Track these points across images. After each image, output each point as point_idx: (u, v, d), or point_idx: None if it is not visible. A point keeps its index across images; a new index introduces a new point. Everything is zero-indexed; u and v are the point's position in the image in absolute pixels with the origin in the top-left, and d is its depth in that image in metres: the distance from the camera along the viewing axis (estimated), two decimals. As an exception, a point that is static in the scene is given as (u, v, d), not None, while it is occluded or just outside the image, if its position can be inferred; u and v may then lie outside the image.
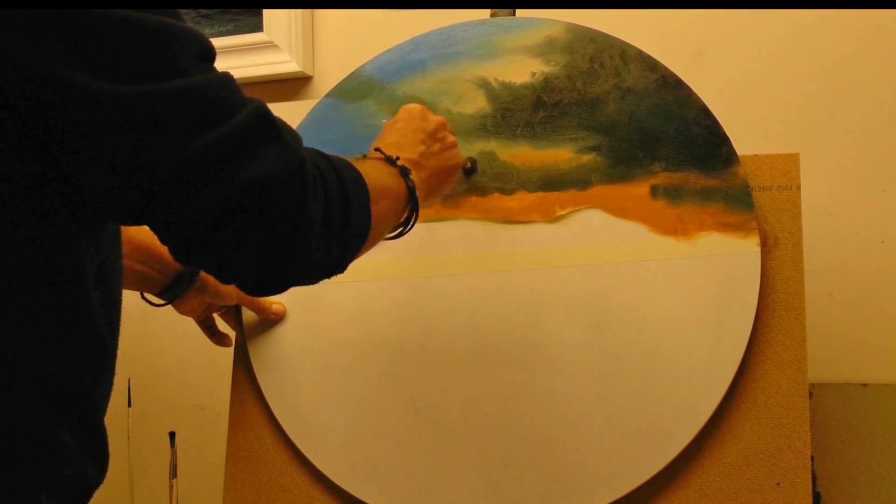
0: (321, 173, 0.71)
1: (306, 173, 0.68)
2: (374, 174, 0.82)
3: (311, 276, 0.74)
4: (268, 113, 0.68)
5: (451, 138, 0.97)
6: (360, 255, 0.79)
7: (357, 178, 0.77)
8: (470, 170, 1.04)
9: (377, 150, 0.89)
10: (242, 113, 0.65)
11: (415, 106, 0.96)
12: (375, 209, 0.78)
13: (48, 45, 0.60)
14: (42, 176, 0.64)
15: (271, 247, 0.67)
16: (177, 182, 0.63)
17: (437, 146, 0.94)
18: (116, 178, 0.63)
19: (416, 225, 0.90)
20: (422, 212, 1.03)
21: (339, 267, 0.76)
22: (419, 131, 0.94)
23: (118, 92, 0.61)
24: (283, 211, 0.66)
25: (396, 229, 0.89)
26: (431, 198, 0.95)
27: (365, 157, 0.88)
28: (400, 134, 0.93)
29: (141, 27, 0.62)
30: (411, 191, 0.87)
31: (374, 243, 0.82)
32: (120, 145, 0.61)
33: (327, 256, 0.73)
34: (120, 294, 0.75)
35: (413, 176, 0.88)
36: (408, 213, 0.88)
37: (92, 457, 0.76)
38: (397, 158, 0.88)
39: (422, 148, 0.92)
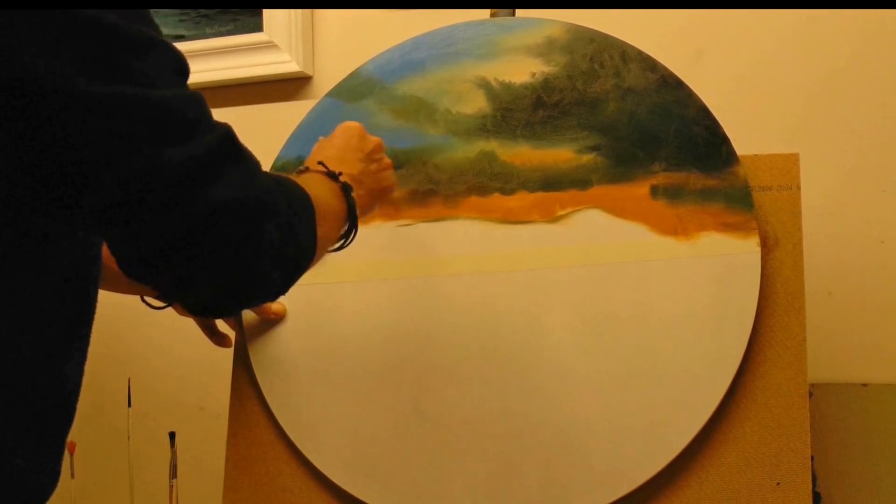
0: (275, 200, 0.71)
1: (266, 200, 0.69)
2: (319, 192, 0.83)
3: (257, 300, 0.75)
4: (235, 138, 0.69)
5: (386, 160, 0.98)
6: (302, 274, 0.81)
7: (306, 202, 0.78)
8: None
9: (320, 163, 0.89)
10: (212, 134, 0.66)
11: (353, 124, 0.97)
12: (321, 231, 0.79)
13: (25, 41, 0.59)
14: (16, 172, 0.63)
15: (226, 271, 0.67)
16: (140, 191, 0.63)
17: (374, 166, 0.96)
18: (83, 179, 0.62)
19: (355, 239, 0.90)
20: (422, 212, 1.04)
21: (284, 290, 0.77)
22: (357, 150, 0.95)
23: (94, 91, 0.61)
24: (242, 236, 0.67)
25: (337, 243, 0.90)
26: (367, 213, 0.96)
27: (307, 169, 0.89)
28: (339, 150, 0.94)
29: (119, 33, 0.62)
30: (352, 208, 0.88)
31: (315, 263, 0.83)
32: (88, 145, 0.61)
33: (275, 280, 0.73)
34: (93, 301, 0.75)
35: (353, 193, 0.89)
36: (347, 229, 0.89)
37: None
38: (340, 174, 0.88)
39: (361, 166, 0.94)
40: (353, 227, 0.90)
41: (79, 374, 0.76)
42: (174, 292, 0.70)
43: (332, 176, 0.88)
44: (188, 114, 0.65)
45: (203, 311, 0.71)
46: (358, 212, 0.90)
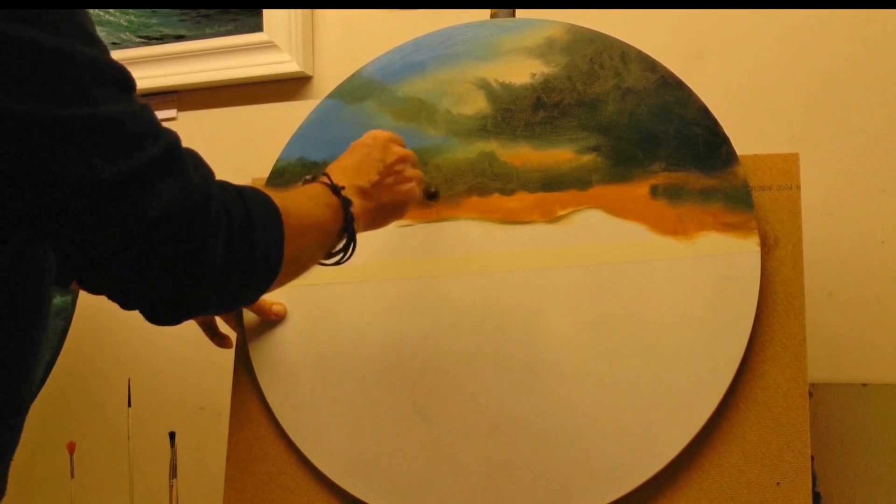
0: (228, 212, 0.71)
1: (209, 212, 0.69)
2: (306, 205, 0.83)
3: (208, 308, 0.75)
4: (176, 149, 0.69)
5: (409, 172, 0.97)
6: (282, 285, 0.81)
7: (272, 214, 0.77)
8: (432, 195, 1.05)
9: (325, 174, 0.89)
10: (151, 147, 0.66)
11: (383, 133, 0.97)
12: (293, 245, 0.79)
13: None
14: None
15: (165, 281, 0.68)
16: (76, 209, 0.64)
17: (391, 179, 0.95)
18: (21, 197, 0.63)
19: (355, 253, 0.90)
20: (422, 212, 1.04)
21: (245, 300, 0.78)
22: (378, 161, 0.94)
23: (28, 112, 0.61)
24: (180, 248, 0.67)
25: (334, 256, 0.90)
26: (375, 227, 0.96)
27: (314, 178, 0.89)
28: (358, 159, 0.94)
29: (55, 53, 0.62)
30: (348, 222, 0.87)
31: (296, 275, 0.83)
32: (24, 165, 0.62)
33: (227, 291, 0.74)
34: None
35: (357, 206, 0.89)
36: (345, 242, 0.89)
37: None
38: (342, 188, 0.88)
39: (375, 178, 0.93)
40: (351, 241, 0.89)
41: (28, 394, 0.77)
42: (124, 302, 0.71)
43: (334, 189, 0.88)
44: (125, 128, 0.65)
45: (156, 320, 0.72)
46: (361, 224, 0.90)
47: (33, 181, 0.63)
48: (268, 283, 0.78)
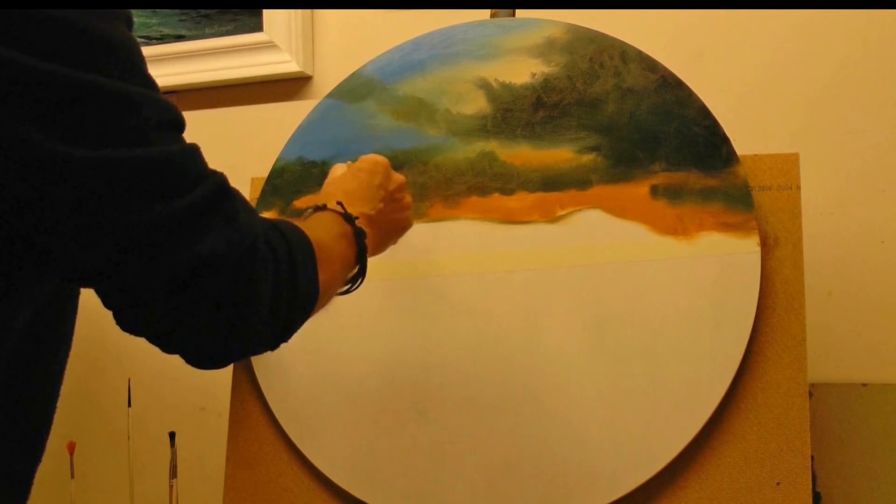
0: (273, 251, 0.70)
1: (257, 252, 0.68)
2: (326, 236, 0.82)
3: (255, 350, 0.74)
4: (226, 189, 0.68)
5: (407, 199, 0.97)
6: (308, 319, 0.80)
7: (308, 250, 0.76)
8: None
9: (339, 203, 0.87)
10: (201, 188, 0.65)
11: (381, 159, 0.96)
12: (323, 278, 0.78)
13: (12, 105, 0.59)
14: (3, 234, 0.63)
15: (215, 323, 0.67)
16: (128, 251, 0.63)
17: (392, 206, 0.95)
18: (69, 241, 0.62)
19: (364, 283, 0.89)
20: (422, 212, 1.04)
21: (284, 339, 0.76)
22: (380, 188, 0.93)
23: (79, 156, 0.60)
24: (231, 290, 0.66)
25: (345, 286, 0.89)
26: (376, 254, 0.95)
27: (325, 207, 0.87)
28: (362, 186, 0.92)
29: (107, 93, 0.62)
30: (361, 253, 0.86)
31: (321, 308, 0.82)
32: (76, 209, 0.61)
33: (272, 331, 0.73)
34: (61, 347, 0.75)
35: (367, 234, 0.88)
36: (356, 273, 0.88)
37: None
38: (357, 218, 0.87)
39: (380, 206, 0.92)
40: (362, 271, 0.88)
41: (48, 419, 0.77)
42: (166, 345, 0.69)
43: (349, 219, 0.86)
44: (177, 169, 0.65)
45: (199, 363, 0.71)
46: (368, 253, 0.89)
47: (85, 225, 0.62)
48: (305, 319, 0.77)
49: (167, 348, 0.70)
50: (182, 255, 0.64)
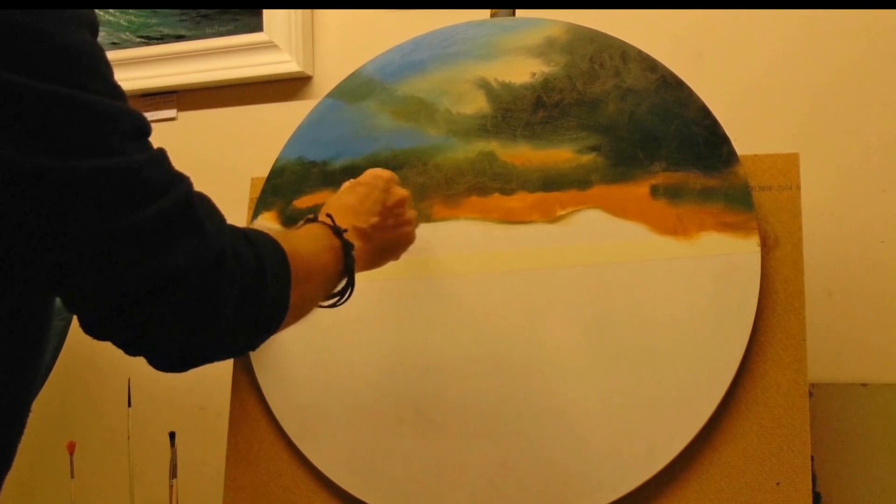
0: (240, 263, 0.70)
1: (223, 264, 0.68)
2: (310, 248, 0.81)
3: (219, 357, 0.74)
4: (193, 198, 0.68)
5: (408, 214, 0.97)
6: (281, 330, 0.79)
7: (282, 263, 0.76)
8: None
9: (328, 216, 0.87)
10: (167, 198, 0.65)
11: (383, 173, 0.96)
12: (297, 293, 0.78)
13: None
14: None
15: (178, 333, 0.67)
16: (92, 262, 0.63)
17: (391, 221, 0.95)
18: (32, 251, 0.62)
19: (352, 295, 0.89)
20: (423, 212, 1.04)
21: (250, 348, 0.77)
22: (378, 202, 0.93)
23: (42, 167, 0.60)
24: (194, 301, 0.67)
25: (332, 298, 0.89)
26: (371, 268, 0.95)
27: (315, 218, 0.88)
28: (358, 199, 0.92)
29: (68, 103, 0.61)
30: (349, 267, 0.86)
31: (297, 320, 0.82)
32: (39, 220, 0.61)
33: (236, 341, 0.73)
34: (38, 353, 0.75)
35: (358, 247, 0.88)
36: (344, 286, 0.88)
37: None
38: (345, 231, 0.87)
39: (376, 220, 0.92)
40: (350, 283, 0.88)
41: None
42: (133, 351, 0.70)
43: (337, 231, 0.86)
44: (142, 178, 0.65)
45: (163, 368, 0.72)
46: (360, 265, 0.89)
47: (49, 234, 0.62)
48: (273, 331, 0.78)
49: (131, 353, 0.70)
50: (146, 266, 0.64)
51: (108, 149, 0.63)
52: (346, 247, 0.86)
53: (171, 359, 0.70)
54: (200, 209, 0.68)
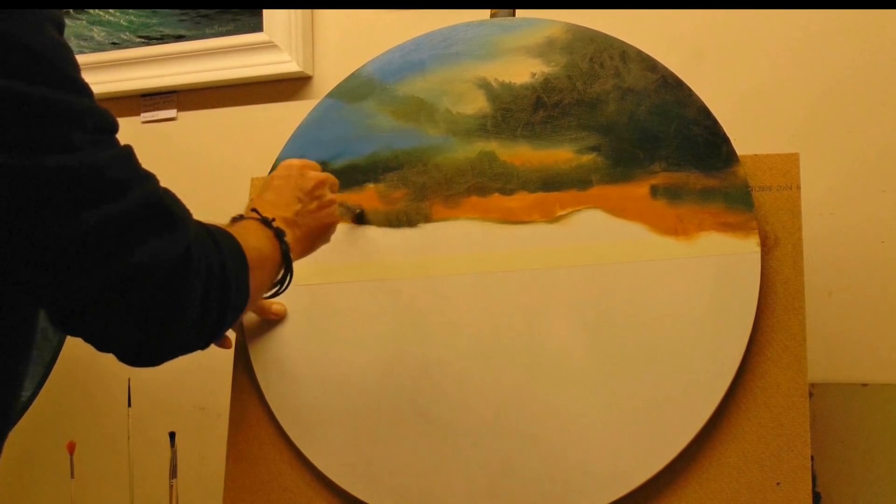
0: (206, 256, 0.72)
1: (190, 260, 0.69)
2: (253, 241, 0.83)
3: (186, 351, 0.75)
4: (159, 195, 0.69)
5: (329, 196, 0.98)
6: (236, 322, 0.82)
7: (239, 255, 0.78)
8: (359, 217, 1.06)
9: (253, 210, 0.90)
10: (133, 195, 0.66)
11: (295, 161, 0.98)
12: (255, 280, 0.80)
13: None
14: None
15: (146, 328, 0.68)
16: (61, 257, 0.63)
17: (313, 204, 0.96)
18: (1, 247, 0.63)
19: (291, 284, 0.92)
20: (423, 212, 1.04)
21: (215, 339, 0.78)
22: (296, 189, 0.95)
23: (6, 164, 0.60)
24: (163, 297, 0.67)
25: (272, 289, 0.91)
26: (305, 254, 0.97)
27: (242, 216, 0.90)
28: (277, 192, 0.94)
29: (32, 100, 0.61)
30: (285, 254, 0.89)
31: (249, 310, 0.85)
32: (5, 217, 0.61)
33: (202, 334, 0.74)
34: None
35: (288, 236, 0.90)
36: (283, 274, 0.90)
37: None
38: (273, 220, 0.89)
39: (297, 206, 0.94)
40: (288, 271, 0.90)
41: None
42: (102, 346, 0.71)
43: (266, 222, 0.89)
44: (108, 175, 0.65)
45: (135, 363, 0.73)
46: (295, 253, 0.91)
47: (15, 231, 0.62)
48: (234, 321, 0.79)
49: (99, 348, 0.71)
50: (114, 263, 0.64)
51: (71, 146, 0.63)
52: (279, 234, 0.89)
53: (140, 354, 0.71)
54: (168, 206, 0.69)
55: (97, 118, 0.66)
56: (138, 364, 0.72)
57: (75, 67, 0.66)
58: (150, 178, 0.69)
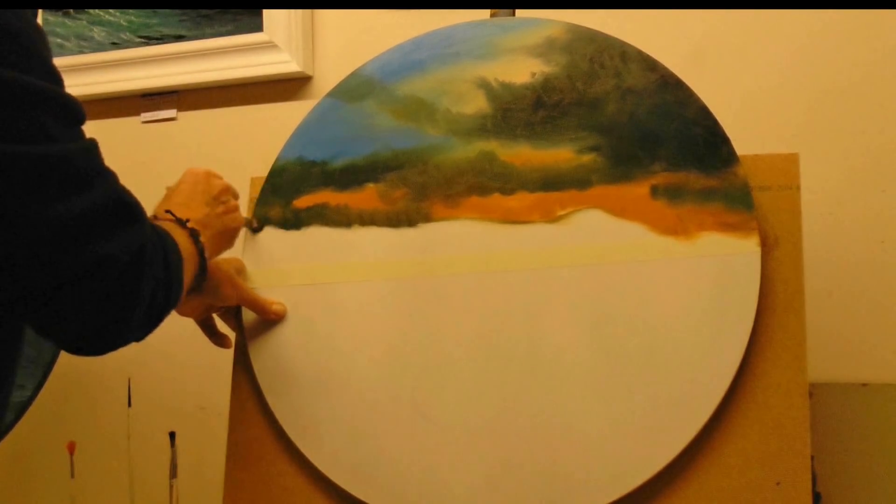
0: (156, 252, 0.74)
1: (145, 254, 0.71)
2: (178, 241, 0.85)
3: (127, 342, 0.77)
4: (121, 189, 0.70)
5: (233, 202, 1.02)
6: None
7: (177, 252, 0.81)
8: (256, 229, 1.10)
9: (168, 211, 0.91)
10: (98, 188, 0.67)
11: (200, 169, 1.00)
12: (186, 280, 0.83)
13: None
14: None
15: (98, 319, 0.70)
16: (27, 246, 0.63)
17: (220, 208, 0.99)
18: None
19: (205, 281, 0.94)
20: (423, 212, 1.04)
21: (150, 331, 0.80)
22: (204, 193, 0.97)
23: None
24: (118, 289, 0.69)
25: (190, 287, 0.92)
26: (213, 257, 0.98)
27: (156, 217, 0.91)
28: (186, 196, 0.96)
29: (11, 89, 0.61)
30: (201, 252, 0.91)
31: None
32: None
33: (146, 326, 0.77)
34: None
35: (201, 237, 0.92)
36: (199, 273, 0.92)
37: None
38: (187, 221, 0.91)
39: (206, 210, 0.96)
40: (203, 270, 0.92)
41: None
42: (46, 334, 0.71)
43: (181, 223, 0.90)
44: (78, 167, 0.66)
45: (76, 351, 0.74)
46: (206, 255, 0.93)
47: None
48: (167, 314, 0.81)
49: (42, 335, 0.71)
50: (77, 254, 0.65)
51: (39, 134, 0.63)
52: (194, 234, 0.91)
53: (84, 343, 0.73)
54: (129, 202, 0.71)
55: (67, 108, 0.66)
56: (81, 353, 0.74)
57: (49, 54, 0.66)
58: (112, 174, 0.70)
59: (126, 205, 0.70)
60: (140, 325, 0.75)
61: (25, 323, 0.72)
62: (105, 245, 0.66)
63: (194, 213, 0.94)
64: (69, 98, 0.66)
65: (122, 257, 0.68)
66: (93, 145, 0.69)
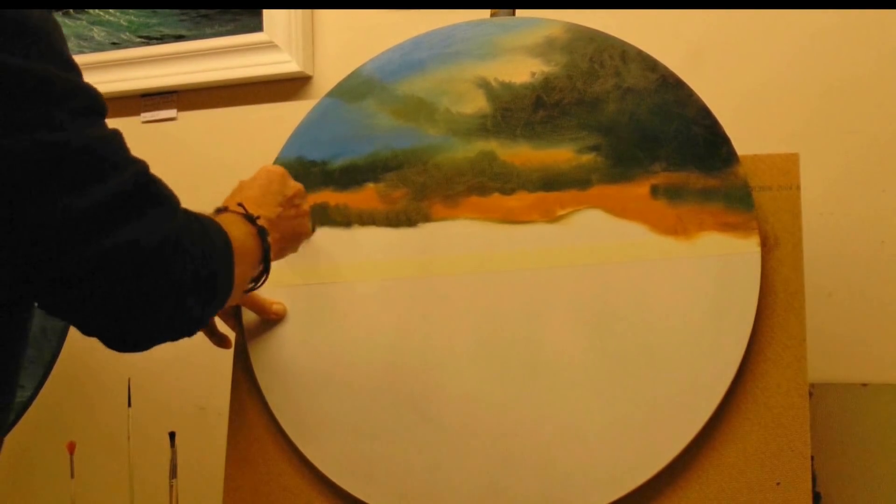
0: (193, 241, 0.72)
1: (179, 241, 0.69)
2: (237, 234, 0.83)
3: (171, 336, 0.75)
4: (148, 179, 0.69)
5: (305, 206, 1.00)
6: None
7: (226, 243, 0.79)
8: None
9: (240, 204, 0.90)
10: (121, 177, 0.65)
11: (277, 168, 0.99)
12: (238, 270, 0.80)
13: None
14: None
15: (133, 309, 0.68)
16: (51, 237, 0.63)
17: (292, 211, 0.97)
18: None
19: (266, 282, 0.93)
20: (423, 212, 1.04)
21: (199, 326, 0.78)
22: (278, 194, 0.96)
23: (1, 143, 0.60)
24: (150, 278, 0.67)
25: (249, 283, 0.91)
26: (277, 259, 0.97)
27: (226, 209, 0.90)
28: (260, 191, 0.95)
29: (20, 74, 0.61)
30: (266, 251, 0.89)
31: (232, 302, 0.85)
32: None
33: (189, 318, 0.74)
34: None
35: (269, 236, 0.90)
36: (260, 271, 0.90)
37: None
38: (258, 217, 0.89)
39: (279, 210, 0.95)
40: (266, 269, 0.91)
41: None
42: (85, 330, 0.70)
43: (250, 218, 0.89)
44: (98, 155, 0.64)
45: (118, 347, 0.72)
46: (272, 255, 0.91)
47: (9, 210, 0.61)
48: (218, 308, 0.79)
49: (86, 332, 0.70)
50: (104, 242, 0.64)
51: (60, 123, 0.62)
52: (262, 232, 0.89)
53: (125, 337, 0.71)
54: (156, 191, 0.69)
55: (88, 98, 0.65)
56: (124, 349, 0.72)
57: (65, 44, 0.66)
58: (139, 162, 0.68)
59: (150, 193, 0.68)
60: (183, 316, 0.72)
61: (67, 321, 0.70)
62: (127, 233, 0.65)
63: (266, 211, 0.92)
64: (88, 87, 0.66)
65: (147, 246, 0.66)
66: (114, 135, 0.67)
